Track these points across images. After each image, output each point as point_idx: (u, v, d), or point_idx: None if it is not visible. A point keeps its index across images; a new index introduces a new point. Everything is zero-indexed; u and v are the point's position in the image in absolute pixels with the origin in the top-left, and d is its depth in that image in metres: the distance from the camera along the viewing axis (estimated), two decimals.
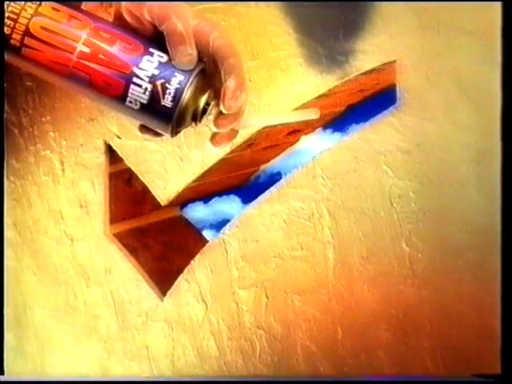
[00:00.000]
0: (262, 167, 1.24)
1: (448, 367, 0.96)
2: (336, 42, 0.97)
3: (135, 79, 0.75)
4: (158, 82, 0.75)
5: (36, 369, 1.31)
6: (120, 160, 1.17)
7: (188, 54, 0.76)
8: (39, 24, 0.75)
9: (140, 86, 0.74)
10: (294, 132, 1.12)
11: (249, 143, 1.07)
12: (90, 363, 1.24)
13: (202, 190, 1.19)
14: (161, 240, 1.24)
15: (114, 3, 0.78)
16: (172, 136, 0.77)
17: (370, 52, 0.95)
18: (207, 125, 0.78)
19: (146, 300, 1.18)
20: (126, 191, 1.22)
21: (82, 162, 1.20)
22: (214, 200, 1.27)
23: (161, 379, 1.18)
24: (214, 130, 0.79)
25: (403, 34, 0.93)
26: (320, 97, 1.00)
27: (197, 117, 0.77)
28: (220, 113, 0.78)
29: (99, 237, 1.20)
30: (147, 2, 0.76)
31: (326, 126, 1.13)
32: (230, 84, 0.77)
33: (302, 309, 1.04)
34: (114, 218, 1.21)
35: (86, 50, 0.75)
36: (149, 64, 0.75)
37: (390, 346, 0.99)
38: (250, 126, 0.88)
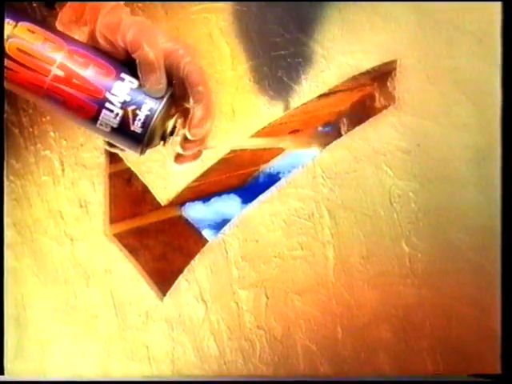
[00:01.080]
0: (262, 167, 1.24)
1: (448, 367, 0.96)
2: (336, 41, 0.97)
3: (107, 104, 0.78)
4: (129, 109, 0.78)
5: (36, 369, 1.31)
6: (120, 160, 1.17)
7: (159, 83, 0.79)
8: (16, 46, 0.78)
9: (111, 110, 0.78)
10: (294, 132, 1.13)
11: None
12: (89, 363, 1.24)
13: (202, 190, 1.19)
14: (161, 240, 1.24)
15: (88, 23, 0.79)
16: (140, 155, 0.81)
17: (370, 52, 0.95)
18: (173, 146, 0.83)
19: (145, 300, 1.18)
20: (126, 191, 1.22)
21: (81, 162, 1.20)
22: (213, 200, 1.28)
23: (161, 379, 1.18)
24: (179, 151, 0.83)
25: (403, 34, 0.93)
26: (320, 97, 1.00)
27: (165, 138, 0.81)
28: (186, 137, 0.81)
29: (99, 237, 1.21)
30: (121, 28, 0.78)
31: (325, 126, 1.13)
32: (197, 113, 0.81)
33: (302, 309, 1.04)
34: (114, 218, 1.21)
35: (61, 73, 0.78)
36: (120, 90, 0.78)
37: (390, 346, 0.99)
38: (214, 147, 0.93)
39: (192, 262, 1.13)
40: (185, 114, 0.82)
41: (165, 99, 0.79)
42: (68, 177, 1.21)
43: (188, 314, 1.14)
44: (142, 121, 0.78)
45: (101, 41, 0.80)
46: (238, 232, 1.08)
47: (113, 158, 1.18)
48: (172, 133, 0.82)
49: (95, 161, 1.18)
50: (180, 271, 1.14)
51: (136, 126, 0.79)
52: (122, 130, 0.79)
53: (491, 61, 0.89)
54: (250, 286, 1.07)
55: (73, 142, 1.20)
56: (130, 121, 0.78)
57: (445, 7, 0.90)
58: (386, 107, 0.97)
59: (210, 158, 1.09)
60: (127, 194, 1.21)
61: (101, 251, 1.21)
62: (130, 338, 1.20)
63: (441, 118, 0.92)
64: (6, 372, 1.29)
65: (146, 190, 1.18)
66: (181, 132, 0.82)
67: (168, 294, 1.16)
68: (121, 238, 1.21)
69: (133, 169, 1.16)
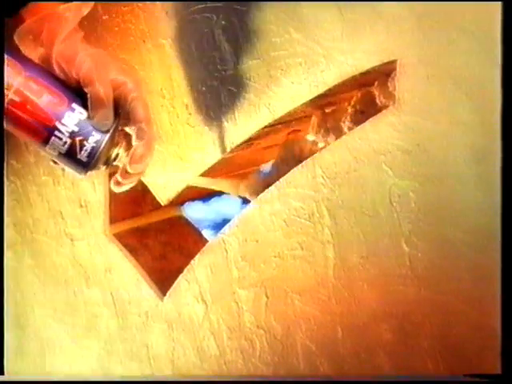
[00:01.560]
0: (262, 167, 1.24)
1: (448, 367, 0.96)
2: (336, 41, 0.97)
3: (57, 132, 0.85)
4: (77, 139, 0.85)
5: (36, 369, 1.31)
6: None
7: (106, 118, 0.86)
8: None
9: (60, 138, 0.85)
10: (295, 132, 1.12)
11: (249, 143, 1.07)
12: (89, 363, 1.24)
13: (202, 190, 1.19)
14: (161, 240, 1.24)
15: (44, 45, 0.83)
16: (82, 176, 0.89)
17: (370, 52, 0.95)
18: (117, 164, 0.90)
19: (145, 300, 1.18)
20: (126, 191, 1.22)
21: None
22: (213, 200, 1.27)
23: (161, 379, 1.18)
24: (119, 179, 0.90)
25: (403, 34, 0.93)
26: (320, 96, 1.00)
27: (108, 164, 0.89)
28: (126, 169, 0.89)
29: (99, 237, 1.20)
30: (77, 61, 0.84)
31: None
32: (138, 150, 0.88)
33: (302, 308, 1.04)
34: (114, 218, 1.21)
35: (16, 99, 0.84)
36: (70, 120, 0.85)
37: (390, 346, 0.99)
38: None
39: (192, 261, 1.13)
40: (127, 140, 0.89)
41: (110, 132, 0.86)
42: (68, 177, 1.21)
43: (188, 313, 1.14)
44: (88, 151, 0.86)
45: (56, 68, 0.85)
46: (238, 232, 1.08)
47: None
48: (115, 159, 0.89)
49: None
50: (180, 271, 1.14)
51: (82, 155, 0.86)
52: (69, 157, 0.86)
53: (491, 61, 0.89)
54: (250, 286, 1.07)
55: None
56: (77, 150, 0.86)
57: (445, 7, 0.90)
58: (386, 107, 0.97)
59: (210, 157, 1.09)
60: (127, 194, 1.21)
61: (101, 251, 1.21)
62: (129, 337, 1.20)
63: (441, 117, 0.92)
64: (6, 372, 1.28)
65: (146, 190, 1.17)
66: (123, 159, 0.90)
67: (168, 293, 1.16)
68: (121, 238, 1.21)
69: None
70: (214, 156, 1.08)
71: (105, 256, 1.20)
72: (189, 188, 1.13)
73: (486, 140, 0.90)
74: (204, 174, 1.11)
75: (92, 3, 0.88)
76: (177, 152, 1.11)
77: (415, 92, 0.93)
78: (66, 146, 0.85)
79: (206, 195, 1.25)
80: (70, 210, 1.21)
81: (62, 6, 0.84)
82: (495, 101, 0.89)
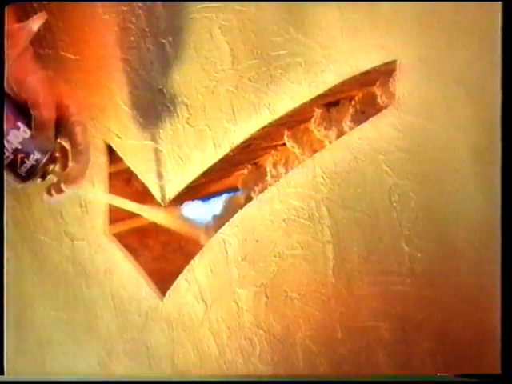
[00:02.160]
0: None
1: (448, 367, 0.96)
2: (336, 41, 0.97)
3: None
4: (19, 156, 0.93)
5: (36, 369, 1.31)
6: (120, 160, 1.17)
7: (48, 140, 0.93)
8: None
9: (3, 153, 0.93)
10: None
11: (249, 143, 1.07)
12: (89, 363, 1.24)
13: (202, 190, 1.19)
14: (161, 240, 1.24)
15: None
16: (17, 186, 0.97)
17: (370, 52, 0.95)
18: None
19: (145, 300, 1.18)
20: (126, 191, 1.22)
21: None
22: (213, 200, 1.27)
23: (161, 379, 1.18)
24: (52, 191, 0.98)
25: (403, 34, 0.93)
26: (320, 96, 1.00)
27: (44, 177, 0.97)
28: (59, 184, 0.97)
29: (99, 237, 1.20)
30: (26, 84, 0.91)
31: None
32: (73, 172, 0.97)
33: (302, 308, 1.04)
34: (114, 218, 1.21)
35: None
36: (14, 138, 0.92)
37: (390, 346, 0.99)
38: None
39: (192, 261, 1.13)
40: (64, 155, 0.98)
41: (50, 152, 0.95)
42: None
43: (188, 313, 1.14)
44: (27, 168, 0.94)
45: (7, 86, 0.91)
46: (238, 232, 1.08)
47: (113, 158, 1.18)
48: (51, 172, 0.98)
49: (95, 161, 1.18)
50: (180, 271, 1.14)
51: (21, 171, 0.94)
52: (9, 169, 0.94)
53: (491, 61, 0.89)
54: (250, 286, 1.07)
55: None
56: (18, 165, 0.94)
57: (445, 7, 0.90)
58: (387, 107, 0.97)
59: (210, 157, 1.09)
60: (127, 194, 1.21)
61: (101, 251, 1.21)
62: (129, 337, 1.20)
63: (441, 117, 0.92)
64: (6, 372, 1.29)
65: (146, 190, 1.18)
66: (58, 174, 0.98)
67: (168, 293, 1.16)
68: (121, 238, 1.21)
69: (133, 169, 1.16)
70: (213, 156, 1.08)
71: (105, 256, 1.21)
72: (189, 188, 1.13)
73: (486, 140, 0.90)
74: (204, 174, 1.11)
75: (43, 19, 0.95)
76: (177, 152, 1.11)
77: (415, 92, 0.93)
78: (8, 160, 0.93)
79: (206, 195, 1.25)
80: (69, 209, 1.22)
81: (17, 25, 0.89)
82: (495, 101, 0.89)
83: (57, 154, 0.98)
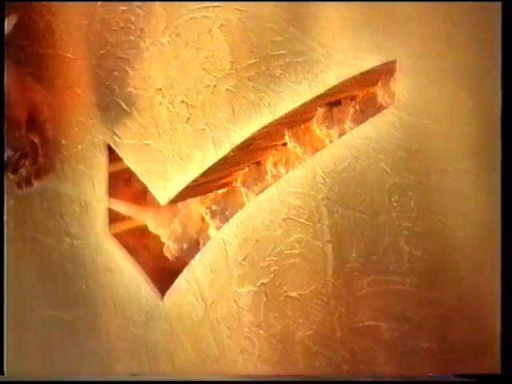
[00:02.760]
0: None
1: (448, 367, 0.96)
2: (336, 41, 0.97)
3: None
4: None
5: (36, 369, 1.31)
6: (120, 160, 1.17)
7: (19, 140, 0.98)
8: None
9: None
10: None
11: (249, 143, 1.07)
12: (89, 363, 1.24)
13: (202, 190, 1.19)
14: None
15: None
16: None
17: (370, 51, 0.95)
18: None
19: (145, 300, 1.18)
20: (126, 191, 1.22)
21: (82, 161, 1.20)
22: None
23: (161, 379, 1.18)
24: (22, 185, 1.05)
25: (403, 33, 0.93)
26: (320, 96, 1.00)
27: (15, 172, 1.03)
28: (29, 178, 1.03)
29: (99, 236, 1.20)
30: (5, 86, 0.94)
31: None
32: (43, 167, 1.04)
33: (302, 308, 1.04)
34: (114, 218, 1.21)
35: None
36: None
37: (390, 346, 0.99)
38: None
39: (192, 261, 1.13)
40: (34, 150, 1.03)
41: (21, 150, 1.00)
42: (68, 177, 1.21)
43: (188, 313, 1.14)
44: None
45: None
46: (238, 232, 1.08)
47: (113, 158, 1.18)
48: (22, 167, 1.04)
49: (95, 161, 1.18)
50: (180, 271, 1.14)
51: None
52: None
53: (491, 60, 0.89)
54: (250, 286, 1.07)
55: (73, 141, 1.20)
56: None
57: (445, 7, 0.90)
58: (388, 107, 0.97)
59: (210, 157, 1.09)
60: (127, 194, 1.21)
61: (101, 251, 1.21)
62: (129, 337, 1.20)
63: (441, 117, 0.92)
64: (5, 372, 1.29)
65: (146, 190, 1.18)
66: (28, 168, 1.04)
67: (168, 293, 1.16)
68: (121, 238, 1.21)
69: (133, 169, 1.16)
70: (213, 156, 1.08)
71: (105, 256, 1.21)
72: (189, 188, 1.13)
73: (486, 139, 0.90)
74: (204, 174, 1.11)
75: (15, 20, 0.99)
76: (177, 152, 1.11)
77: (415, 92, 0.93)
78: None
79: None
80: (69, 209, 1.22)
81: None
82: (495, 100, 0.89)
83: (27, 150, 1.03)
